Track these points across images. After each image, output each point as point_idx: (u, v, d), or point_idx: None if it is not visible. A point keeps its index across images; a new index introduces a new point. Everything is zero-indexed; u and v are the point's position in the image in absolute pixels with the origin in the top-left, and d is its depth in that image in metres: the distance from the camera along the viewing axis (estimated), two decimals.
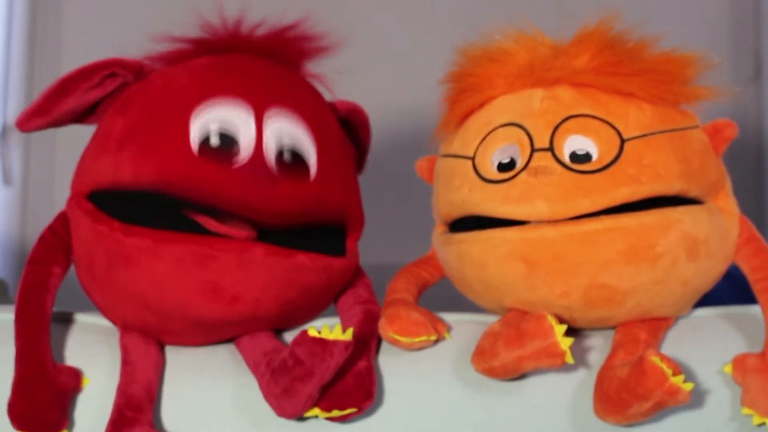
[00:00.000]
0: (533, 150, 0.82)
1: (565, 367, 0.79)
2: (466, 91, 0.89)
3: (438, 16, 1.88)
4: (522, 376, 0.81)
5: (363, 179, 0.93)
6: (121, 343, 0.84)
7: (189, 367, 0.84)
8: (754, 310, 0.85)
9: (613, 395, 0.76)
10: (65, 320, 0.87)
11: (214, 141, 0.81)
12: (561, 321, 0.80)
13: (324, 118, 0.88)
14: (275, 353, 0.81)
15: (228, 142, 0.81)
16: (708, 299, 0.87)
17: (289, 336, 0.87)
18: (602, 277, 0.80)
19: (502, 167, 0.83)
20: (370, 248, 0.92)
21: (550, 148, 0.81)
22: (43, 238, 0.85)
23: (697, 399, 0.80)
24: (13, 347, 0.80)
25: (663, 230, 0.79)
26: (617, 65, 0.83)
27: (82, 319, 0.88)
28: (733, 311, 0.87)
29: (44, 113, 0.85)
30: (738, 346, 0.83)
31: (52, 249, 0.85)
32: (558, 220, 0.79)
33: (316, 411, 0.79)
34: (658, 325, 0.84)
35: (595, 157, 0.81)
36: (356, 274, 0.90)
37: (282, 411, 0.79)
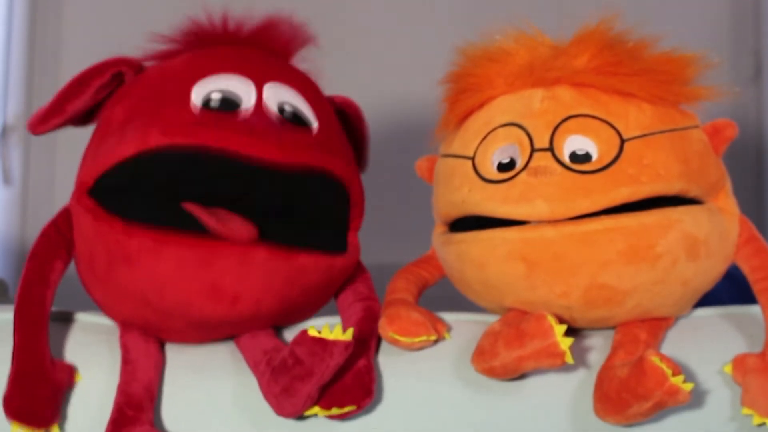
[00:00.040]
0: (533, 150, 0.82)
1: (565, 367, 0.79)
2: (466, 91, 0.89)
3: (438, 16, 1.88)
4: (522, 376, 0.81)
5: (363, 179, 0.93)
6: (122, 341, 0.84)
7: (189, 366, 0.84)
8: (754, 310, 0.85)
9: (613, 395, 0.76)
10: (65, 319, 0.87)
11: (216, 104, 0.82)
12: (561, 321, 0.80)
13: (321, 99, 0.89)
14: (275, 352, 0.81)
15: (229, 104, 0.83)
16: (708, 299, 0.87)
17: (289, 333, 0.87)
18: (602, 277, 0.80)
19: (502, 167, 0.83)
20: (370, 248, 0.92)
21: (550, 148, 0.81)
22: (45, 234, 0.85)
23: (697, 399, 0.80)
24: (12, 347, 0.80)
25: (663, 230, 0.79)
26: (617, 65, 0.83)
27: (82, 318, 0.88)
28: (733, 311, 0.87)
29: (60, 113, 0.87)
30: (738, 346, 0.83)
31: (54, 245, 0.85)
32: (558, 220, 0.79)
33: (315, 409, 0.79)
34: (658, 325, 0.84)
35: (595, 157, 0.81)
36: (356, 268, 0.90)
37: (281, 410, 0.79)
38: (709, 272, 0.84)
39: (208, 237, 0.79)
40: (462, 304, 0.89)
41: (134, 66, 0.88)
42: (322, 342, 0.76)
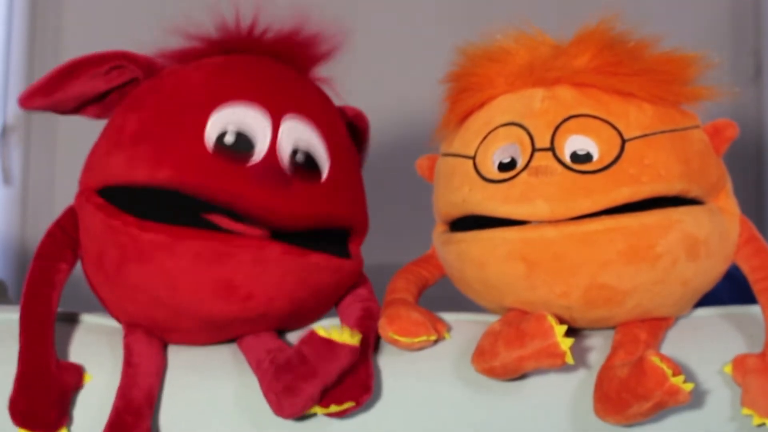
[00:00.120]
0: (534, 150, 0.82)
1: (565, 367, 0.79)
2: (467, 90, 0.89)
3: (438, 16, 1.88)
4: (522, 376, 0.81)
5: (363, 179, 0.93)
6: (125, 342, 0.84)
7: (189, 366, 0.84)
8: (754, 310, 0.85)
9: (613, 395, 0.76)
10: (68, 320, 0.87)
11: (230, 140, 0.81)
12: (561, 321, 0.80)
13: (335, 125, 0.89)
14: (279, 351, 0.81)
15: (243, 142, 0.82)
16: (708, 299, 0.87)
17: (292, 337, 0.87)
18: (602, 277, 0.80)
19: (503, 167, 0.83)
20: (370, 248, 0.92)
21: (551, 148, 0.81)
22: (50, 234, 0.85)
23: (697, 399, 0.80)
24: (13, 347, 0.80)
25: (663, 230, 0.79)
26: (617, 65, 0.83)
27: (85, 319, 0.88)
28: (733, 311, 0.87)
29: (47, 93, 0.85)
30: (738, 346, 0.83)
31: (60, 245, 0.84)
32: (558, 220, 0.79)
33: (314, 407, 0.79)
34: (658, 325, 0.84)
35: (595, 157, 0.81)
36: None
37: (281, 409, 0.79)
38: (709, 272, 0.84)
39: (222, 234, 0.79)
40: (462, 304, 0.89)
41: (141, 63, 0.87)
42: (329, 343, 0.77)
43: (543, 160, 0.81)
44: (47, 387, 0.78)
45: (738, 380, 0.79)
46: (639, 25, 0.85)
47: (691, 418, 0.80)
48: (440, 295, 0.95)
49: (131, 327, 0.84)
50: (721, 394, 0.80)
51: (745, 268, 0.85)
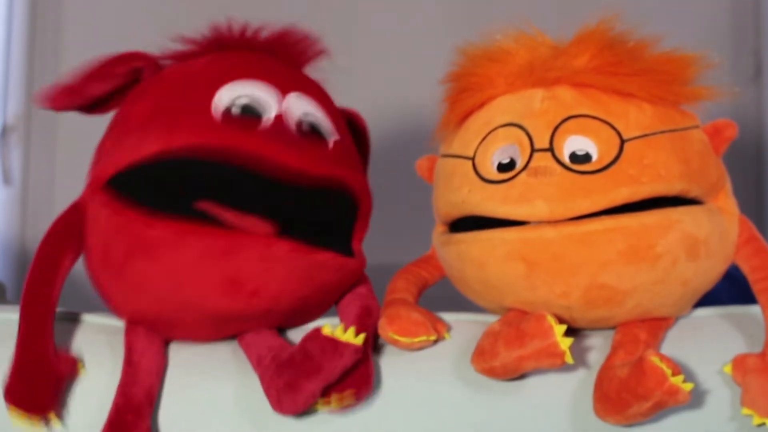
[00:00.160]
0: (533, 150, 0.82)
1: (565, 367, 0.79)
2: (467, 90, 0.89)
3: (438, 16, 1.88)
4: (522, 376, 0.81)
5: None
6: (126, 339, 0.84)
7: (189, 366, 0.84)
8: (754, 310, 0.85)
9: (613, 395, 0.76)
10: (67, 319, 0.87)
11: (237, 111, 0.83)
12: (561, 321, 0.80)
13: (337, 111, 0.90)
14: (281, 349, 0.81)
15: (251, 111, 0.83)
16: (708, 299, 0.87)
17: (291, 335, 0.87)
18: (602, 277, 0.80)
19: (502, 167, 0.83)
20: (371, 248, 0.92)
21: (550, 149, 0.81)
22: (54, 227, 0.84)
23: (697, 399, 0.80)
24: (12, 347, 0.80)
25: (663, 230, 0.79)
26: (617, 65, 0.83)
27: (85, 318, 0.88)
28: (733, 311, 0.87)
29: (75, 92, 0.86)
30: (738, 346, 0.83)
31: (66, 236, 0.84)
32: (558, 220, 0.79)
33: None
34: (658, 325, 0.84)
35: (595, 157, 0.81)
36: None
37: (280, 406, 0.79)
38: (709, 272, 0.84)
39: (230, 230, 0.79)
40: (462, 304, 0.89)
41: (152, 63, 0.88)
42: (333, 341, 0.77)
43: (542, 160, 0.81)
44: (43, 374, 0.79)
45: (738, 380, 0.79)
46: (639, 25, 0.85)
47: (691, 418, 0.80)
48: (440, 295, 0.95)
49: (133, 324, 0.84)
50: (720, 394, 0.80)
51: (745, 268, 0.85)
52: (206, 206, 0.80)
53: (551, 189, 0.79)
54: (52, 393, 0.79)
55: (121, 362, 0.83)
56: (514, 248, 0.80)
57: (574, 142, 0.81)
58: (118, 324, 0.86)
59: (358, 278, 0.89)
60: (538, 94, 0.85)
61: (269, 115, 0.83)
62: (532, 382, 0.82)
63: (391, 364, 0.83)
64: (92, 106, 0.89)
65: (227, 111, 0.83)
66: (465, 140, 0.87)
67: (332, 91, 0.92)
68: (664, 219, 0.80)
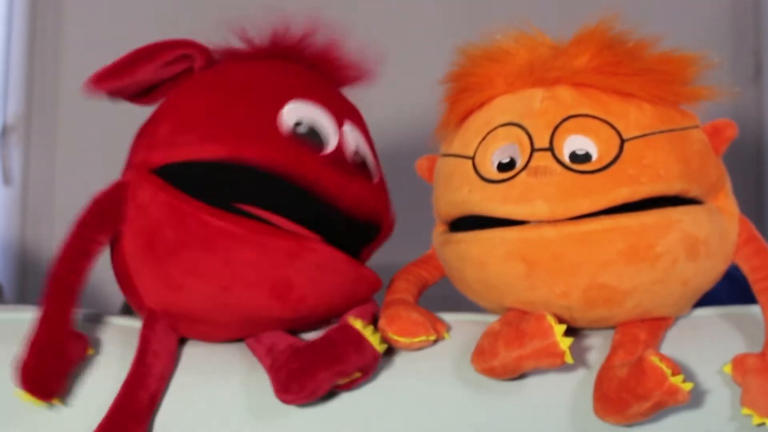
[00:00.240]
0: (533, 150, 0.82)
1: (564, 367, 0.79)
2: (467, 90, 0.89)
3: (438, 16, 1.88)
4: (522, 376, 0.81)
5: None
6: (142, 334, 0.82)
7: (190, 366, 0.84)
8: (754, 310, 0.85)
9: (613, 395, 0.76)
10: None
11: (304, 131, 0.83)
12: (561, 321, 0.80)
13: (371, 141, 0.91)
14: (297, 341, 0.82)
15: (316, 135, 0.83)
16: (708, 299, 0.87)
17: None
18: (602, 277, 0.80)
19: (502, 167, 0.83)
20: None
21: (550, 148, 0.81)
22: (97, 202, 0.82)
23: (696, 399, 0.80)
24: (12, 347, 0.80)
25: (663, 230, 0.79)
26: (617, 65, 0.83)
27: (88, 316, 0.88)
28: (733, 311, 0.87)
29: (120, 76, 0.84)
30: (738, 346, 0.83)
31: (105, 215, 0.82)
32: (558, 220, 0.79)
33: None
34: (657, 325, 0.84)
35: (594, 157, 0.81)
36: None
37: (286, 390, 0.78)
38: (708, 272, 0.84)
39: (295, 234, 0.80)
40: (462, 304, 0.89)
41: (205, 54, 0.87)
42: (360, 337, 0.79)
43: (542, 160, 0.81)
44: (59, 356, 0.78)
45: (738, 380, 0.79)
46: (639, 25, 0.85)
47: (691, 418, 0.80)
48: (440, 295, 0.95)
49: (153, 319, 0.83)
50: (720, 394, 0.80)
51: (745, 268, 0.85)
52: (263, 213, 0.79)
53: (551, 189, 0.79)
54: (62, 378, 0.78)
55: (121, 364, 0.82)
56: (514, 248, 0.80)
57: (574, 142, 0.81)
58: (124, 323, 0.86)
59: None
60: (538, 93, 0.85)
61: (331, 143, 0.84)
62: (532, 382, 0.82)
63: (391, 364, 0.83)
64: (140, 94, 0.87)
65: (294, 130, 0.82)
66: (465, 140, 0.87)
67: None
68: (663, 219, 0.80)
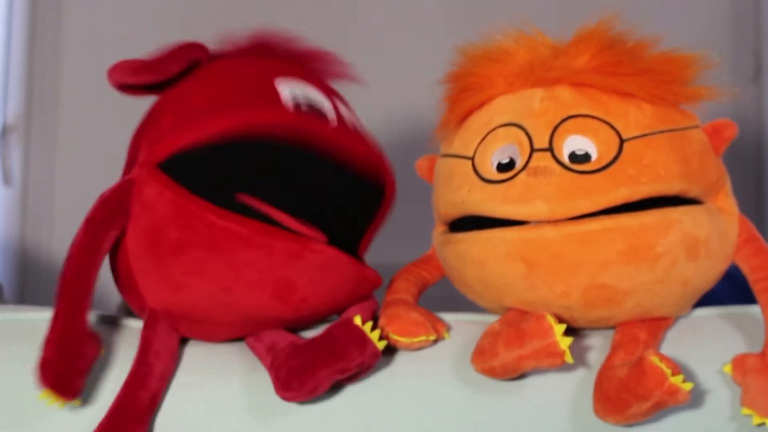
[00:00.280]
0: (533, 150, 0.82)
1: (565, 367, 0.79)
2: (466, 90, 0.89)
3: (438, 16, 1.88)
4: (522, 376, 0.81)
5: None
6: (143, 335, 0.82)
7: (191, 366, 0.84)
8: (754, 310, 0.85)
9: (613, 395, 0.76)
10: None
11: (303, 103, 0.83)
12: (561, 321, 0.80)
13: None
14: (298, 339, 0.82)
15: (315, 108, 0.84)
16: (708, 299, 0.87)
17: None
18: (602, 277, 0.80)
19: (502, 167, 0.83)
20: (371, 248, 0.92)
21: (550, 149, 0.81)
22: (105, 200, 0.82)
23: (696, 399, 0.80)
24: (12, 347, 0.80)
25: (663, 230, 0.79)
26: (617, 65, 0.83)
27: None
28: (733, 311, 0.87)
29: (154, 72, 0.86)
30: (738, 346, 0.83)
31: (113, 212, 0.81)
32: (557, 220, 0.79)
33: None
34: (657, 325, 0.84)
35: (594, 157, 0.81)
36: None
37: (287, 387, 0.78)
38: (708, 272, 0.84)
39: (298, 235, 0.79)
40: (462, 304, 0.89)
41: (207, 54, 0.89)
42: (362, 334, 0.79)
43: (541, 160, 0.81)
44: (79, 353, 0.78)
45: (738, 380, 0.79)
46: (639, 25, 0.85)
47: (691, 418, 0.80)
48: (440, 295, 0.95)
49: (154, 318, 0.83)
50: (720, 394, 0.80)
51: (745, 268, 0.85)
52: (266, 208, 0.79)
53: (551, 189, 0.79)
54: (83, 376, 0.78)
55: (121, 364, 0.82)
56: (514, 248, 0.80)
57: (574, 142, 0.81)
58: (122, 324, 0.86)
59: None
60: (538, 94, 0.85)
61: (332, 115, 0.84)
62: (532, 382, 0.82)
63: (391, 364, 0.83)
64: (153, 87, 0.88)
65: (297, 104, 0.83)
66: (465, 140, 0.87)
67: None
68: (663, 219, 0.80)
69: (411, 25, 1.87)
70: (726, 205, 0.86)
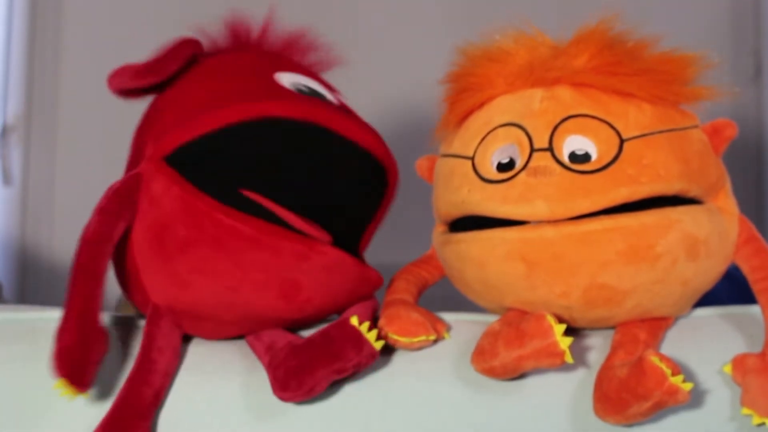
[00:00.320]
0: (533, 150, 0.82)
1: (565, 367, 0.79)
2: (466, 90, 0.89)
3: (438, 16, 1.88)
4: (522, 376, 0.81)
5: None
6: (147, 331, 0.82)
7: (191, 366, 0.84)
8: (754, 310, 0.85)
9: (613, 395, 0.76)
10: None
11: (306, 91, 0.84)
12: (561, 321, 0.80)
13: None
14: (296, 338, 0.82)
15: (317, 94, 0.85)
16: (708, 299, 0.87)
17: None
18: (602, 277, 0.80)
19: (502, 167, 0.83)
20: (371, 248, 0.92)
21: (550, 148, 0.81)
22: (116, 191, 0.81)
23: (696, 399, 0.80)
24: (12, 347, 0.80)
25: (663, 230, 0.79)
26: (617, 65, 0.83)
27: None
28: (733, 311, 0.87)
29: (155, 73, 0.85)
30: (738, 346, 0.83)
31: (124, 204, 0.81)
32: (557, 220, 0.79)
33: None
34: (657, 325, 0.84)
35: (594, 157, 0.81)
36: None
37: (285, 387, 0.78)
38: (708, 272, 0.84)
39: (304, 236, 0.80)
40: (462, 304, 0.89)
41: (201, 50, 0.89)
42: (358, 334, 0.79)
43: (541, 160, 0.81)
44: (95, 344, 0.77)
45: (737, 380, 0.79)
46: (639, 25, 0.85)
47: (691, 418, 0.80)
48: (440, 295, 0.95)
49: (157, 315, 0.82)
50: (720, 394, 0.80)
51: (745, 268, 0.85)
52: (274, 207, 0.79)
53: (551, 189, 0.79)
54: (96, 366, 0.77)
55: (121, 362, 0.82)
56: (514, 248, 0.80)
57: (574, 142, 0.81)
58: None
59: None
60: (538, 94, 0.85)
61: (336, 102, 0.85)
62: (532, 382, 0.82)
63: (391, 364, 0.83)
64: (150, 89, 0.88)
65: (300, 92, 0.84)
66: (465, 140, 0.87)
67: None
68: (663, 219, 0.80)
69: (411, 25, 1.87)
70: (726, 205, 0.86)
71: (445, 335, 0.85)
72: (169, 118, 0.83)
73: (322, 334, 0.80)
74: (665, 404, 0.74)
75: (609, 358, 0.80)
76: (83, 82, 1.76)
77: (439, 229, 0.91)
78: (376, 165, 0.85)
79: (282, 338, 0.82)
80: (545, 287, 0.81)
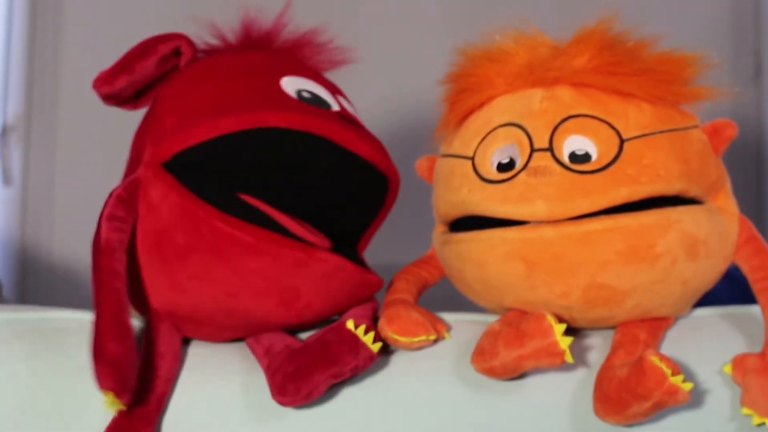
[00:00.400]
0: (533, 150, 0.82)
1: (564, 367, 0.79)
2: (466, 90, 0.89)
3: (438, 16, 1.88)
4: (522, 376, 0.81)
5: None
6: (146, 335, 0.82)
7: (192, 366, 0.84)
8: (754, 310, 0.85)
9: (613, 395, 0.76)
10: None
11: (308, 97, 0.84)
12: (561, 321, 0.80)
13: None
14: (295, 341, 0.82)
15: (319, 101, 0.84)
16: (708, 299, 0.87)
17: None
18: (602, 277, 0.80)
19: (502, 167, 0.83)
20: (371, 248, 0.92)
21: (550, 148, 0.81)
22: (118, 196, 0.81)
23: (696, 399, 0.80)
24: (12, 347, 0.80)
25: (662, 230, 0.79)
26: (617, 65, 0.83)
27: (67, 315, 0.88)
28: (733, 311, 0.87)
29: (128, 71, 0.84)
30: (738, 346, 0.83)
31: (128, 207, 0.81)
32: (557, 220, 0.79)
33: None
34: (657, 325, 0.84)
35: (594, 157, 0.81)
36: None
37: (283, 392, 0.78)
38: (708, 272, 0.84)
39: (304, 243, 0.79)
40: (462, 304, 0.89)
41: (192, 47, 0.88)
42: (355, 338, 0.79)
43: (541, 160, 0.81)
44: (134, 353, 0.76)
45: (737, 380, 0.79)
46: (638, 25, 0.85)
47: (691, 418, 0.80)
48: (440, 295, 0.95)
49: (157, 319, 0.82)
50: (720, 394, 0.80)
51: (745, 268, 0.85)
52: (273, 213, 0.79)
53: (551, 189, 0.79)
54: (136, 374, 0.76)
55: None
56: (514, 248, 0.80)
57: (574, 142, 0.81)
58: None
59: None
60: (538, 94, 0.85)
61: (334, 106, 0.85)
62: (532, 382, 0.82)
63: (391, 364, 0.83)
64: (133, 97, 0.87)
65: (300, 97, 0.83)
66: (465, 140, 0.87)
67: None
68: (663, 219, 0.80)
69: (411, 25, 1.87)
70: (726, 205, 0.86)
71: (445, 335, 0.85)
72: (169, 121, 0.83)
73: (318, 338, 0.80)
74: (665, 404, 0.74)
75: (609, 358, 0.80)
76: (83, 82, 1.76)
77: (439, 229, 0.91)
78: (377, 174, 0.85)
79: (280, 341, 0.82)
80: (545, 287, 0.81)
